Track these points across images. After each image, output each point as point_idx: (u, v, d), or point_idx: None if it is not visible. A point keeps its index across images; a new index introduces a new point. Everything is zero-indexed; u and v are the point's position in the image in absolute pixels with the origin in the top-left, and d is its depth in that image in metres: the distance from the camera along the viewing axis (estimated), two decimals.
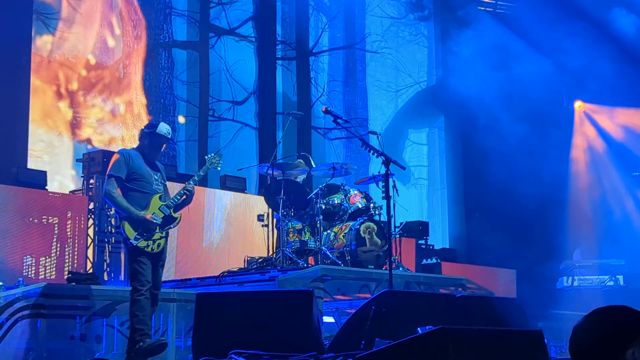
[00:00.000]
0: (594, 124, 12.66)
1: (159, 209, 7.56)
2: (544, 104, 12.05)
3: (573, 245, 12.10)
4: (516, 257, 11.30)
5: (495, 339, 4.56)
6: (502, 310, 6.61)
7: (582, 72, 11.63)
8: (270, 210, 10.44)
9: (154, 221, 7.46)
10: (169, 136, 7.83)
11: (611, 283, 9.70)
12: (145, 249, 7.40)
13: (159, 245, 7.52)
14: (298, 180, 10.68)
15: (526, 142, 11.75)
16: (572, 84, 11.89)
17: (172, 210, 7.65)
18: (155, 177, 7.69)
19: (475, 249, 13.35)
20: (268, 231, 10.26)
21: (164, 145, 7.89)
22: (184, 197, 7.75)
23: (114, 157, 7.65)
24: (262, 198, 10.94)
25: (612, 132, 12.49)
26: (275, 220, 10.22)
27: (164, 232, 7.59)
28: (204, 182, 11.38)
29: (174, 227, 7.82)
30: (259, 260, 10.06)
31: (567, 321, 9.42)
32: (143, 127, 7.94)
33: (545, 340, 4.93)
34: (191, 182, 7.84)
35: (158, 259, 7.59)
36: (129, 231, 7.40)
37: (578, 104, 12.79)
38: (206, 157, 8.31)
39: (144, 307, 7.27)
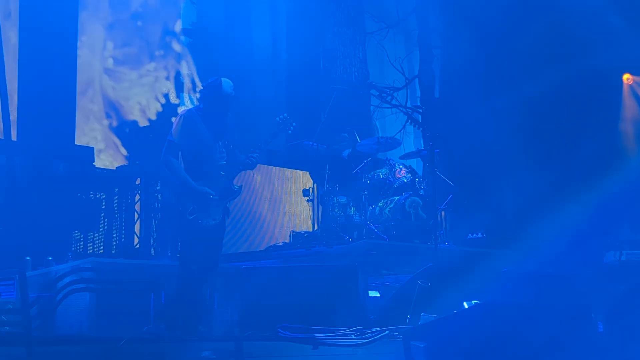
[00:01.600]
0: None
1: (218, 180, 7.00)
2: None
3: (622, 219, 11.95)
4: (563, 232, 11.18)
5: None
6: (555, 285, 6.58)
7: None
8: (315, 185, 10.44)
9: (211, 196, 6.91)
10: (232, 93, 7.08)
11: None
12: (201, 223, 6.87)
13: (214, 219, 6.94)
14: (343, 154, 10.67)
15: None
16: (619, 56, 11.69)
17: (233, 182, 7.09)
18: (219, 144, 7.05)
19: None
20: (313, 206, 10.26)
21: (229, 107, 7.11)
22: (247, 165, 7.15)
23: (176, 120, 7.09)
24: (308, 173, 10.96)
25: None
26: (320, 195, 10.23)
27: (221, 206, 7.00)
28: None
29: (234, 199, 7.21)
30: (305, 235, 10.08)
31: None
32: (202, 87, 7.27)
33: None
34: (256, 151, 7.18)
35: (215, 234, 7.01)
36: (184, 204, 6.87)
37: (627, 77, 12.59)
38: (278, 118, 7.58)
39: (192, 285, 6.85)
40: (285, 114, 7.56)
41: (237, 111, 7.36)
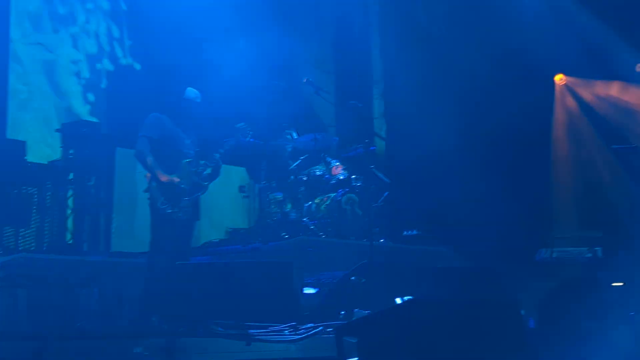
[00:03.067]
0: (575, 97, 12.70)
1: (187, 175, 7.53)
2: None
3: (553, 218, 12.16)
4: (495, 230, 11.34)
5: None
6: (484, 280, 6.65)
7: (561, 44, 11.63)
8: (251, 181, 10.42)
9: (182, 186, 7.43)
10: (198, 101, 7.79)
11: (589, 255, 9.75)
12: (171, 215, 7.35)
13: (185, 212, 7.45)
14: (280, 151, 10.65)
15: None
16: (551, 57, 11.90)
17: (200, 178, 7.63)
18: (187, 143, 7.67)
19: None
20: (249, 202, 10.24)
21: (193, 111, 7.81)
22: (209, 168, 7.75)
23: (148, 119, 7.66)
24: (244, 169, 10.93)
25: (593, 105, 12.52)
26: (256, 191, 10.20)
27: (191, 200, 7.52)
28: None
29: (201, 194, 7.72)
30: (241, 232, 10.06)
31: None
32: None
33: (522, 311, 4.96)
34: (216, 155, 7.80)
35: (184, 228, 7.53)
36: (156, 195, 7.36)
37: (559, 77, 12.81)
38: (237, 125, 8.22)
39: (158, 276, 7.15)
40: (244, 123, 8.17)
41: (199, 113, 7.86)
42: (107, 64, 12.05)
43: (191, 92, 7.82)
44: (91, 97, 11.90)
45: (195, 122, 7.95)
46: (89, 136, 9.67)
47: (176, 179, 7.40)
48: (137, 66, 12.20)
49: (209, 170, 7.73)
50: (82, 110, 11.81)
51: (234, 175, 11.58)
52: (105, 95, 11.84)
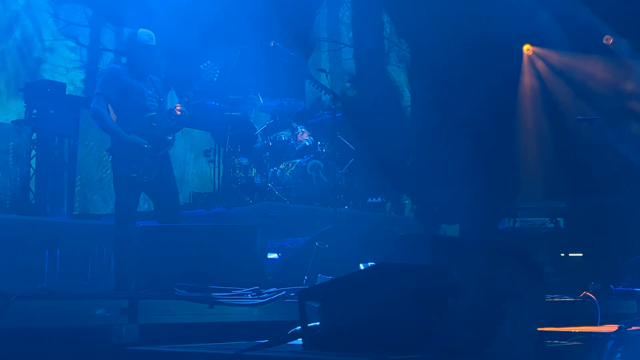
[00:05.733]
0: (542, 68, 12.77)
1: (150, 131, 6.93)
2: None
3: (517, 187, 12.27)
4: (459, 199, 11.42)
5: None
6: (445, 249, 6.67)
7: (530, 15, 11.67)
8: (216, 145, 10.37)
9: (145, 145, 6.85)
10: (152, 43, 7.03)
11: (552, 225, 9.86)
12: (136, 177, 6.80)
13: (150, 173, 6.86)
14: (246, 116, 10.61)
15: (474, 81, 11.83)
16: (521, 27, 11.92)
17: (165, 132, 7.02)
18: (149, 93, 7.02)
19: None
20: (214, 167, 10.20)
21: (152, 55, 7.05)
22: (177, 118, 7.09)
23: (101, 74, 7.04)
24: (209, 133, 10.87)
25: (559, 76, 12.60)
26: (221, 156, 10.16)
27: (156, 159, 6.91)
28: None
29: (167, 150, 7.09)
30: (205, 196, 10.03)
31: None
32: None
33: None
34: (185, 99, 7.26)
35: (155, 188, 6.98)
36: (119, 156, 6.82)
37: (527, 47, 12.86)
38: (201, 66, 7.52)
39: (126, 244, 6.76)
40: (209, 62, 7.52)
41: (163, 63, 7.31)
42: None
43: (143, 34, 7.02)
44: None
45: (154, 68, 7.29)
46: (52, 96, 9.55)
47: (139, 139, 6.82)
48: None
49: (174, 122, 7.14)
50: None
51: (198, 139, 11.53)
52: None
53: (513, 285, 3.81)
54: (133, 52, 7.03)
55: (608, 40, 12.21)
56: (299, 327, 3.92)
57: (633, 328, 4.54)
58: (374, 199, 11.32)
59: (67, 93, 10.09)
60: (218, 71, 7.50)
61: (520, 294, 3.79)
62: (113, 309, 4.62)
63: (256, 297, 5.44)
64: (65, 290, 6.59)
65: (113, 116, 6.94)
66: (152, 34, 7.10)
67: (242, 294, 5.47)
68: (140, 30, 7.07)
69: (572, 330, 4.44)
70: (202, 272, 5.88)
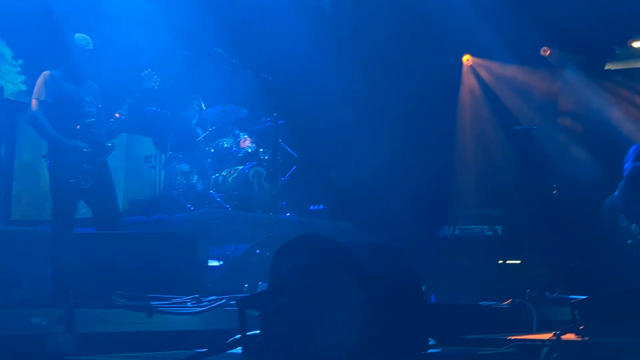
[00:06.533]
0: (481, 78, 12.94)
1: (89, 137, 6.88)
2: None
3: (457, 195, 12.41)
4: (400, 206, 11.50)
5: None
6: (386, 255, 6.72)
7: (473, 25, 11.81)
8: (158, 151, 10.30)
9: (84, 149, 6.82)
10: (89, 47, 7.00)
11: (490, 232, 10.00)
12: (73, 184, 6.75)
13: (88, 179, 6.82)
14: (188, 121, 10.55)
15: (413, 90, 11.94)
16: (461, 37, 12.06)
17: (105, 138, 6.99)
18: (87, 99, 6.99)
19: None
20: (155, 173, 10.13)
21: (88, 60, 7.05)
22: (116, 122, 7.09)
23: (38, 80, 6.94)
24: (150, 139, 10.79)
25: (498, 86, 12.78)
26: (162, 162, 10.10)
27: (95, 165, 6.87)
28: None
29: (106, 156, 7.06)
30: (145, 202, 9.95)
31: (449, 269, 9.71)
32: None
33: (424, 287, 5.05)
34: (124, 106, 7.17)
35: (93, 194, 6.90)
36: (56, 162, 6.75)
37: (466, 58, 13.02)
38: (142, 73, 7.55)
39: (63, 251, 6.67)
40: (149, 69, 7.52)
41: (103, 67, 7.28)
42: None
43: (80, 38, 6.99)
44: None
45: (93, 75, 7.21)
46: None
47: (79, 143, 6.79)
48: None
49: (115, 127, 7.11)
50: None
51: (139, 145, 11.42)
52: None
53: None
54: (70, 58, 6.98)
55: (545, 52, 12.45)
56: (239, 336, 3.91)
57: (568, 335, 4.62)
58: (316, 206, 11.34)
59: (4, 97, 9.95)
60: (159, 79, 7.52)
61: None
62: (50, 318, 4.56)
63: (196, 305, 5.42)
64: (1, 299, 6.48)
65: (50, 122, 6.85)
66: (89, 38, 7.07)
67: (182, 303, 5.44)
68: (77, 35, 7.03)
69: (508, 337, 4.50)
70: (141, 280, 5.83)
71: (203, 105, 10.51)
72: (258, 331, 3.86)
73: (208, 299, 5.57)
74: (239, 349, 3.87)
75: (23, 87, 10.68)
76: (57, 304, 5.18)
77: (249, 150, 10.13)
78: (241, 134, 10.28)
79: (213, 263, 8.19)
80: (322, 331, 3.75)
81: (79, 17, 9.44)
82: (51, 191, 6.95)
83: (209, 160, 9.87)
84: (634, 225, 9.18)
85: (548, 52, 12.50)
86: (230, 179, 9.87)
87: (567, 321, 5.19)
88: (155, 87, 7.57)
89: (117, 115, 7.14)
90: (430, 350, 3.98)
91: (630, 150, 9.22)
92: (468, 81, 13.02)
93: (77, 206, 7.05)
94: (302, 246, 3.42)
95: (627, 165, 9.13)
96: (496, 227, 10.05)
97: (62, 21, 8.85)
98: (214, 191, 9.72)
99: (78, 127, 6.91)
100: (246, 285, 6.85)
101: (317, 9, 12.68)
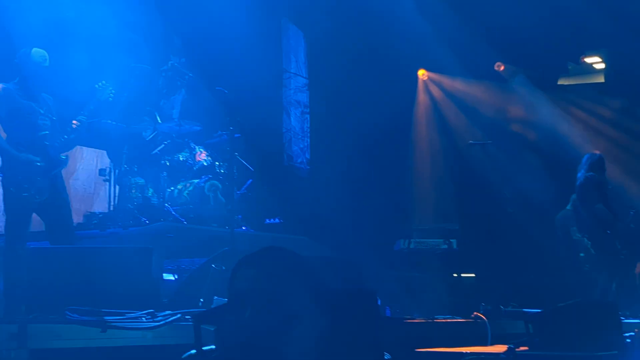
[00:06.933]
0: (435, 92, 13.07)
1: (43, 150, 6.79)
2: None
3: (412, 210, 12.49)
4: (355, 220, 11.54)
5: None
6: (342, 270, 6.74)
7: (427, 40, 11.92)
8: (112, 164, 10.21)
9: (37, 163, 6.73)
10: (45, 64, 6.95)
11: (445, 246, 10.07)
12: (27, 197, 6.64)
13: (42, 192, 6.73)
14: (143, 135, 10.49)
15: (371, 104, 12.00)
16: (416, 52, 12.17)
17: (59, 151, 6.90)
18: (41, 112, 6.89)
19: None
20: (110, 186, 10.04)
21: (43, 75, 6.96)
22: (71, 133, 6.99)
23: None
24: (105, 152, 10.70)
25: (452, 101, 12.91)
26: (117, 175, 10.01)
27: (48, 178, 6.78)
28: None
29: (61, 169, 6.98)
30: (100, 216, 9.86)
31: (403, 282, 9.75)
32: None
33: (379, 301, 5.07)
34: (80, 117, 7.09)
35: (47, 208, 6.82)
36: (9, 175, 6.65)
37: (422, 72, 13.15)
38: (96, 85, 7.43)
39: (16, 265, 6.54)
40: (104, 81, 7.44)
41: (55, 81, 7.21)
42: None
43: (37, 54, 6.93)
44: None
45: (47, 88, 7.15)
46: None
47: (31, 156, 6.69)
48: None
49: (73, 135, 7.04)
50: None
51: (94, 158, 11.31)
52: None
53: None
54: (25, 72, 6.92)
55: (499, 67, 12.62)
56: (194, 351, 3.89)
57: (521, 348, 4.68)
58: (272, 220, 11.34)
59: None
60: (113, 91, 7.45)
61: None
62: (1, 333, 4.49)
63: (150, 320, 5.37)
64: None
65: (3, 135, 6.81)
66: (46, 53, 7.02)
67: (136, 317, 5.38)
68: (34, 49, 6.98)
69: (463, 351, 4.54)
70: (95, 295, 5.76)
71: (159, 119, 10.46)
72: (213, 346, 3.83)
73: (163, 313, 5.53)
74: None
75: None
76: (9, 320, 5.11)
77: (205, 164, 10.09)
78: (197, 147, 10.24)
79: (168, 277, 8.12)
80: (279, 345, 3.74)
81: (34, 29, 9.35)
82: (4, 205, 6.87)
83: (165, 173, 9.81)
84: (585, 239, 9.33)
85: (502, 67, 12.67)
86: (186, 192, 9.82)
87: (521, 334, 5.25)
88: (110, 99, 7.52)
89: (74, 123, 7.05)
90: None
91: (583, 160, 9.39)
92: (423, 95, 13.14)
93: (31, 220, 6.95)
94: (265, 259, 3.39)
95: (580, 175, 9.30)
96: (451, 240, 10.13)
97: (14, 34, 8.76)
98: (169, 205, 9.66)
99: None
100: (202, 300, 6.80)
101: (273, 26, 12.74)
